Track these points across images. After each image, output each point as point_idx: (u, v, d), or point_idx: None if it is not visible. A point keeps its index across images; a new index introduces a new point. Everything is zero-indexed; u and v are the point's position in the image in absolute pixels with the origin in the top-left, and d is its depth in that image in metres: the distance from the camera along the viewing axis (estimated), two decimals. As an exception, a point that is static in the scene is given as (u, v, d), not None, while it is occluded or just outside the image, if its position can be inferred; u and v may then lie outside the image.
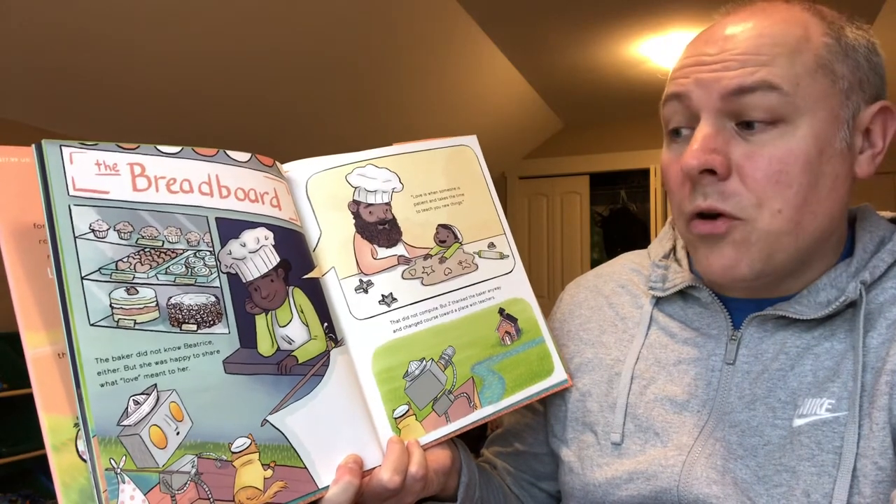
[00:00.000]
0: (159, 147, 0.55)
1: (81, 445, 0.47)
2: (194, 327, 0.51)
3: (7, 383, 2.39)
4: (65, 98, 2.52)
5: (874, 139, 0.62)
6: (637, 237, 4.79)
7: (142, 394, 0.47)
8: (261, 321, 0.55)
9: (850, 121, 0.60)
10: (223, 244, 0.55)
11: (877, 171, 0.62)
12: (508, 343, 0.70)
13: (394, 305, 0.64)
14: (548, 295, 4.57)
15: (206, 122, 2.92)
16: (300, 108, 3.09)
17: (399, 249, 0.67)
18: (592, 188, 4.82)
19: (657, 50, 3.27)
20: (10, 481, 2.46)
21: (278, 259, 0.58)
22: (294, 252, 0.59)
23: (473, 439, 0.69)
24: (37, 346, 0.47)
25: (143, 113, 2.74)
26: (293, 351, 0.56)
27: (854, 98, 0.60)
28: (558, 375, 0.72)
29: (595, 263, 4.60)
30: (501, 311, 0.70)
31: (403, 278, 0.66)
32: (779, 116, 0.58)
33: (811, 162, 0.58)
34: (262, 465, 0.51)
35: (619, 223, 5.02)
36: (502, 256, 0.73)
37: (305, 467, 0.54)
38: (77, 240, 0.48)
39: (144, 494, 0.46)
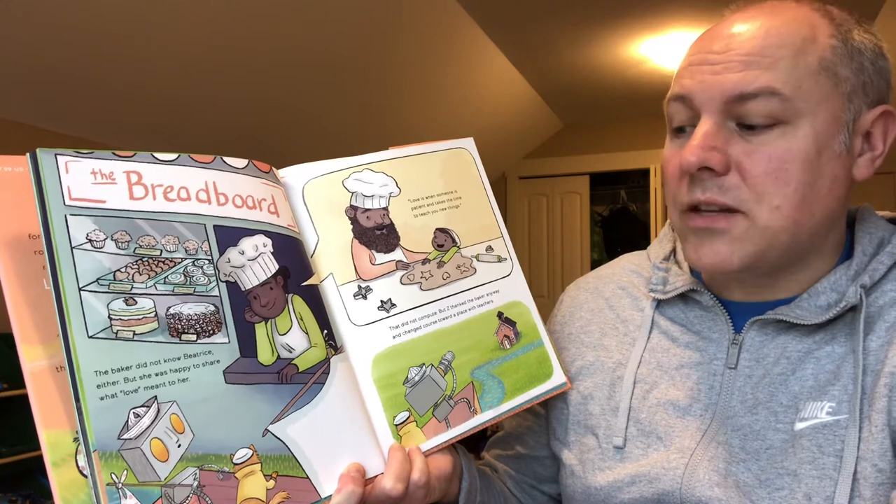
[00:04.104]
0: (156, 154, 0.54)
1: (82, 460, 0.46)
2: (194, 337, 0.51)
3: (7, 383, 2.39)
4: (65, 98, 2.52)
5: (874, 142, 0.62)
6: (637, 237, 4.78)
7: (142, 406, 0.47)
8: (260, 330, 0.54)
9: (851, 124, 0.60)
10: (221, 252, 0.54)
11: (877, 171, 0.63)
12: (507, 347, 0.69)
13: (393, 311, 0.64)
14: (547, 295, 4.56)
15: (205, 122, 2.92)
16: (300, 109, 3.09)
17: (397, 254, 0.66)
18: (592, 188, 4.81)
19: (657, 50, 3.26)
20: (10, 481, 2.46)
21: (277, 266, 0.57)
22: (293, 259, 0.59)
23: (472, 440, 0.69)
24: (34, 360, 0.47)
25: (143, 112, 2.74)
26: (293, 359, 0.55)
27: (856, 101, 0.60)
28: (557, 378, 0.71)
29: (595, 264, 4.60)
30: (500, 314, 0.70)
31: (402, 283, 0.65)
32: (779, 120, 0.58)
33: (810, 161, 0.58)
34: (265, 475, 0.51)
35: (619, 223, 5.01)
36: (500, 259, 0.72)
37: (307, 477, 0.53)
38: (74, 250, 0.47)
39: None
